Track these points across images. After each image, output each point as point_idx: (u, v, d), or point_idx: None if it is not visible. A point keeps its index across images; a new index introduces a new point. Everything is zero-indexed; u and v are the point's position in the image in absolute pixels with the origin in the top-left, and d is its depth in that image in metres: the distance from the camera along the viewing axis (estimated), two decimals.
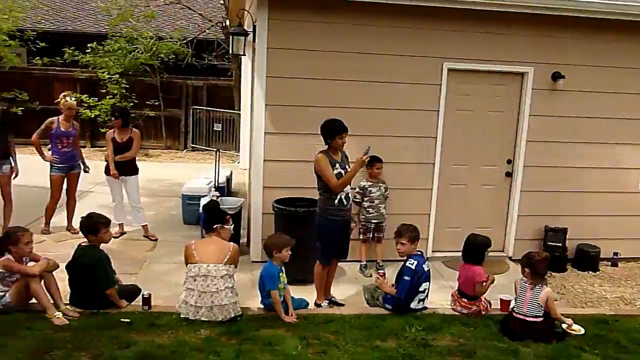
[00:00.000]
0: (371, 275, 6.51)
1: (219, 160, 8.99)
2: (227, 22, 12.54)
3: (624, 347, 4.77)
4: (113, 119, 7.57)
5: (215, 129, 13.90)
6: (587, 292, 6.52)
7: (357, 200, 6.60)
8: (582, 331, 4.96)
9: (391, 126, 6.76)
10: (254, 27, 6.65)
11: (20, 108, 13.46)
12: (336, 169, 5.30)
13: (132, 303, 5.14)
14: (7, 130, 7.15)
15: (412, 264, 5.19)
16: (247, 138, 8.98)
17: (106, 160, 7.45)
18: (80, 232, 5.31)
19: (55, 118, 7.38)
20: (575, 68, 7.04)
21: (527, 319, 4.87)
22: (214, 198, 7.20)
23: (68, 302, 4.99)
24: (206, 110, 14.21)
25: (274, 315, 5.00)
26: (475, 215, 7.25)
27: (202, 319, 4.77)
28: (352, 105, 6.56)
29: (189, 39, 14.42)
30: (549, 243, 7.19)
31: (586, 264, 7.23)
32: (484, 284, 5.30)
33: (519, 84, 7.09)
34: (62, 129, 7.33)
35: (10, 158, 7.29)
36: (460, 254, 5.59)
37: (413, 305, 5.24)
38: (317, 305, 5.57)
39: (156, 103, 14.27)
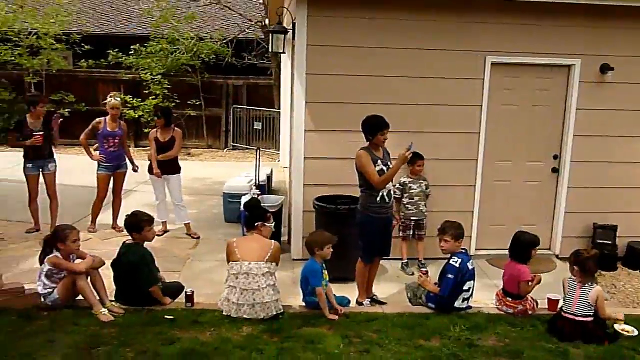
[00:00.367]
0: (413, 274, 6.42)
1: (259, 158, 9.02)
2: (267, 21, 12.59)
3: None
4: (156, 119, 7.68)
5: (255, 127, 13.96)
6: (639, 292, 6.28)
7: (397, 196, 6.52)
8: (636, 332, 4.77)
9: (433, 122, 6.66)
10: (294, 24, 6.64)
11: (67, 110, 13.81)
12: (378, 165, 5.24)
13: (176, 300, 5.19)
14: (51, 131, 7.32)
15: (456, 262, 5.09)
16: (288, 136, 8.99)
17: (149, 160, 7.57)
18: (125, 230, 5.39)
19: (103, 119, 7.52)
20: (625, 60, 6.78)
21: (577, 318, 4.71)
22: (255, 196, 7.23)
23: (113, 299, 5.08)
24: (247, 109, 14.29)
25: (316, 314, 4.98)
26: (520, 213, 7.07)
27: (244, 316, 4.78)
28: (393, 101, 6.48)
29: (229, 39, 14.54)
30: (598, 241, 6.96)
31: (638, 263, 6.97)
32: (530, 283, 5.15)
33: (565, 77, 6.88)
34: (109, 129, 7.47)
35: (55, 157, 7.46)
36: (505, 252, 5.46)
37: (457, 304, 5.13)
38: (359, 303, 5.52)
39: (197, 103, 14.44)
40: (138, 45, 14.22)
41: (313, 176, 6.60)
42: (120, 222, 7.15)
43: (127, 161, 7.72)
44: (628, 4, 6.51)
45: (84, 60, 14.53)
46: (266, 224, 5.19)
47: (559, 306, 5.00)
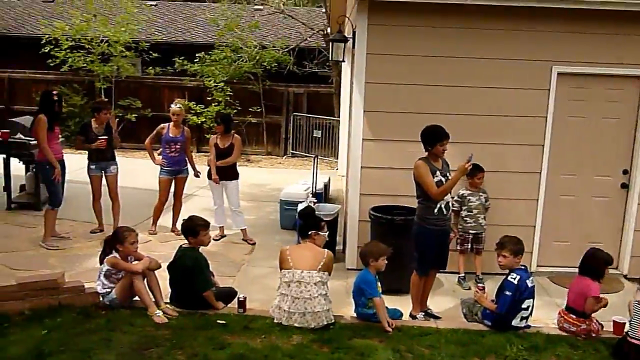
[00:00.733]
0: (470, 288, 6.24)
1: (317, 166, 9.02)
2: (329, 29, 12.64)
3: None
4: (215, 125, 7.81)
5: (314, 135, 14.04)
6: None
7: (455, 208, 6.35)
8: None
9: (495, 133, 6.47)
10: (354, 33, 6.61)
11: (134, 115, 14.28)
12: (436, 176, 5.14)
13: (228, 305, 5.22)
14: (112, 132, 7.58)
15: (514, 279, 4.90)
16: (346, 144, 8.96)
17: (209, 165, 7.70)
18: None
19: (167, 124, 7.72)
20: None
21: None
22: (311, 204, 7.22)
23: (168, 301, 5.17)
24: (306, 117, 14.39)
25: (367, 325, 4.90)
26: (585, 229, 6.76)
27: (295, 324, 4.76)
28: (453, 111, 6.34)
29: (291, 47, 14.68)
30: None
31: None
32: (597, 302, 4.90)
33: (637, 88, 6.55)
34: (171, 135, 7.65)
35: (116, 160, 7.70)
36: (568, 269, 5.23)
37: (515, 322, 4.94)
38: (412, 316, 5.41)
39: (258, 110, 14.62)
40: (203, 53, 14.55)
41: (369, 185, 6.54)
42: (180, 225, 7.28)
43: (189, 166, 7.88)
44: None
45: (151, 67, 14.98)
46: (320, 232, 5.16)
47: (625, 330, 4.73)
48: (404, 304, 5.46)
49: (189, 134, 7.93)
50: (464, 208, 6.46)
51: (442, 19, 6.29)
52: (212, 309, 5.10)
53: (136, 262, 5.18)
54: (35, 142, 7.22)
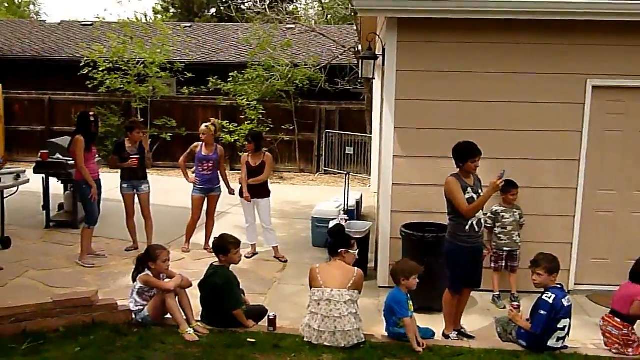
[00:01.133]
0: (505, 307, 6.10)
1: (348, 183, 9.01)
2: (359, 47, 12.67)
3: None
4: (246, 143, 7.88)
5: (347, 152, 14.03)
6: None
7: (488, 225, 6.25)
8: None
9: (528, 148, 6.36)
10: (383, 50, 6.62)
11: (169, 134, 14.54)
12: (468, 193, 5.07)
13: (259, 323, 5.22)
14: (144, 152, 7.72)
15: (549, 297, 4.77)
16: (377, 161, 8.93)
17: (240, 183, 7.76)
18: None
19: (200, 143, 7.82)
20: None
21: None
22: (342, 221, 7.19)
23: (199, 318, 5.19)
24: (339, 133, 14.41)
25: (399, 345, 4.83)
26: (625, 246, 6.54)
27: (325, 343, 4.72)
28: (485, 127, 6.27)
29: (323, 64, 14.76)
30: None
31: None
32: None
33: None
34: (204, 153, 7.74)
35: (148, 179, 7.82)
36: (608, 287, 5.09)
37: (551, 343, 4.79)
38: (445, 336, 5.31)
39: (291, 127, 14.71)
40: (236, 72, 14.75)
41: (401, 202, 6.49)
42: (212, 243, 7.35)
43: (221, 184, 7.95)
44: None
45: (185, 87, 15.24)
46: (350, 250, 5.13)
47: None
48: (436, 323, 5.37)
49: (222, 152, 8.01)
50: (497, 225, 6.35)
51: (473, 34, 6.25)
52: (242, 327, 5.10)
53: (168, 280, 5.23)
54: (73, 162, 7.40)
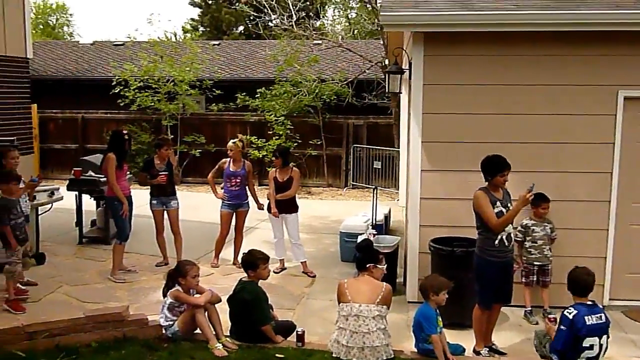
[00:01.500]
0: (537, 323, 6.00)
1: (376, 198, 8.99)
2: (387, 61, 12.70)
3: None
4: (274, 158, 7.94)
5: (375, 166, 14.01)
6: None
7: (518, 239, 6.16)
8: None
9: (558, 161, 6.28)
10: (410, 64, 6.62)
11: (198, 150, 14.72)
12: (497, 207, 5.02)
13: (287, 339, 5.22)
14: (172, 168, 7.85)
15: (569, 313, 4.57)
16: (405, 175, 8.90)
17: (268, 199, 7.81)
18: None
19: (228, 159, 7.90)
20: None
21: None
22: (370, 236, 7.17)
23: (228, 334, 5.22)
24: (366, 148, 14.41)
25: None
26: None
27: (353, 359, 4.69)
28: (513, 139, 6.21)
29: (350, 79, 14.82)
30: None
31: None
32: None
33: None
34: (232, 169, 7.82)
35: (177, 195, 7.92)
36: None
37: None
38: (476, 352, 5.23)
39: (318, 142, 14.76)
40: (263, 88, 14.88)
41: (429, 217, 6.45)
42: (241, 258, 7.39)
43: (249, 200, 8.01)
44: None
45: (214, 104, 15.43)
46: (378, 265, 5.11)
47: None
48: (467, 339, 5.30)
49: (250, 168, 8.08)
50: (527, 239, 6.25)
51: (500, 47, 6.22)
52: (271, 343, 5.11)
53: (198, 295, 5.28)
54: (105, 179, 7.55)
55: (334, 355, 4.80)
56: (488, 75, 6.27)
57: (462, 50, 6.27)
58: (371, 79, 14.95)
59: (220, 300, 5.30)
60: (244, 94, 14.98)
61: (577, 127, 6.24)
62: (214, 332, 5.08)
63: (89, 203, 9.15)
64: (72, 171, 8.92)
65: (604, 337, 4.55)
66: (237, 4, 21.81)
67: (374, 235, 7.40)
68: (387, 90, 7.96)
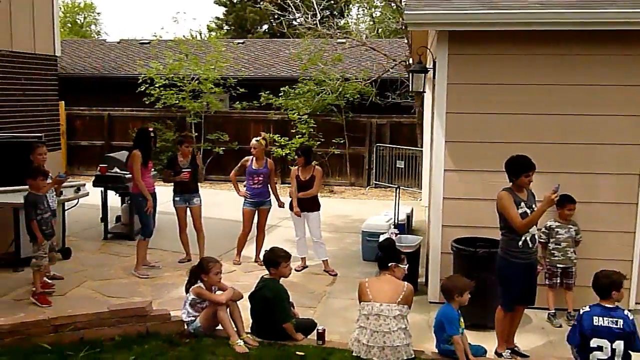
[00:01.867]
0: (561, 326, 5.92)
1: (399, 197, 8.96)
2: (410, 60, 12.63)
3: None
4: (296, 157, 7.96)
5: (397, 166, 13.95)
6: None
7: (542, 241, 6.08)
8: None
9: (585, 162, 6.19)
10: (434, 63, 6.58)
11: (221, 148, 14.82)
12: (521, 207, 4.97)
13: (308, 337, 5.23)
14: (197, 167, 7.92)
15: (582, 310, 4.56)
16: (428, 175, 8.86)
17: (291, 197, 7.83)
18: None
19: (251, 157, 7.95)
20: None
21: None
22: (392, 235, 7.15)
23: (249, 330, 5.25)
24: (389, 147, 14.35)
25: None
26: None
27: (374, 359, 4.68)
28: (538, 140, 6.14)
29: (373, 78, 14.78)
30: None
31: None
32: None
33: None
34: (254, 167, 7.86)
35: (199, 192, 7.98)
36: None
37: None
38: (498, 354, 5.19)
39: (341, 141, 14.75)
40: (287, 87, 14.93)
41: (452, 217, 6.41)
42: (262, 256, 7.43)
43: (272, 197, 8.04)
44: None
45: (238, 102, 15.53)
46: (400, 265, 5.10)
47: None
48: (488, 341, 5.26)
49: (272, 166, 8.11)
50: (551, 240, 6.18)
51: (525, 46, 6.15)
52: (291, 340, 5.13)
53: (220, 292, 5.32)
54: (130, 175, 7.65)
55: (354, 354, 4.80)
56: (513, 75, 6.21)
57: (486, 49, 6.21)
58: (395, 78, 14.90)
59: (241, 297, 5.34)
60: (268, 92, 15.04)
61: (605, 128, 6.14)
62: (235, 329, 5.11)
63: (114, 199, 9.28)
64: (98, 167, 9.06)
65: (618, 342, 4.43)
66: (261, 2, 21.85)
67: (396, 234, 7.38)
68: (410, 90, 7.92)
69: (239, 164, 8.06)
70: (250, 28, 30.96)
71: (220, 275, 5.37)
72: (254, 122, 15.30)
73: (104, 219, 9.10)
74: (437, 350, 4.98)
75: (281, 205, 8.11)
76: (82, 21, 42.69)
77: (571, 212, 6.15)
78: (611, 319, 4.50)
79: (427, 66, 7.37)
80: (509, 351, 5.23)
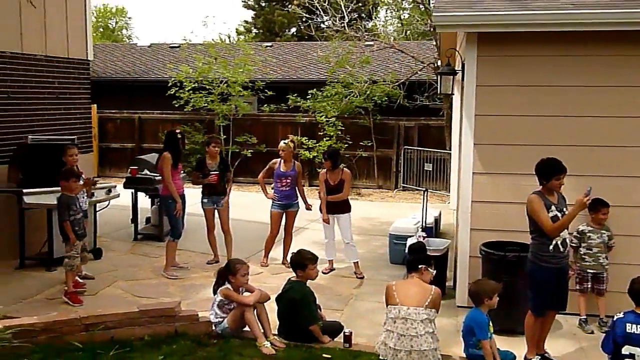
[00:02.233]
0: (593, 332, 5.81)
1: (426, 200, 8.90)
2: (439, 62, 12.54)
3: None
4: (323, 160, 7.95)
5: (425, 168, 13.86)
6: None
7: (573, 245, 5.97)
8: None
9: (617, 165, 6.06)
10: (463, 65, 6.53)
11: (249, 151, 14.92)
12: (552, 211, 4.90)
13: (334, 340, 5.23)
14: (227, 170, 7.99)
15: (616, 317, 4.47)
16: (457, 178, 8.78)
17: (321, 201, 7.82)
18: None
19: (279, 159, 7.98)
20: None
21: None
22: (420, 239, 7.11)
23: (276, 332, 5.27)
24: (417, 150, 14.28)
25: None
26: None
27: None
28: (569, 142, 6.03)
29: (401, 80, 14.72)
30: None
31: None
32: None
33: None
34: (282, 170, 7.89)
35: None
36: None
37: None
38: None
39: (369, 144, 14.73)
40: (315, 89, 14.96)
41: (480, 220, 6.34)
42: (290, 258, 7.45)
43: (299, 200, 8.06)
44: None
45: (266, 105, 15.62)
46: (429, 268, 5.06)
47: None
48: (518, 346, 5.18)
49: (300, 169, 8.13)
50: (582, 245, 6.06)
51: (555, 47, 6.06)
52: (318, 343, 5.13)
53: (247, 293, 5.35)
54: (160, 177, 7.75)
55: (381, 357, 4.77)
56: (543, 76, 6.12)
57: (516, 51, 6.14)
58: (423, 80, 14.81)
59: (269, 299, 5.36)
60: (296, 95, 15.09)
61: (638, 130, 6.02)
62: (262, 330, 5.14)
63: (144, 201, 9.41)
64: (129, 169, 9.20)
65: None
66: (289, 5, 21.95)
67: (424, 238, 7.33)
68: (439, 92, 7.85)
69: (267, 167, 8.09)
70: (278, 31, 31.15)
71: (248, 277, 5.40)
72: (281, 125, 15.37)
73: (134, 220, 9.23)
74: (464, 355, 4.93)
75: (308, 207, 8.13)
76: (113, 26, 43.49)
77: (605, 217, 6.03)
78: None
79: (456, 68, 7.31)
80: (539, 357, 5.15)
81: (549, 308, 5.13)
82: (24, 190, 7.33)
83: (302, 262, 5.33)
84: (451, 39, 8.58)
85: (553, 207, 4.93)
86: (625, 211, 6.08)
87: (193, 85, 14.97)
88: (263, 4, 32.08)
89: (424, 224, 8.53)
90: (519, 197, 5.43)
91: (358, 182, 14.75)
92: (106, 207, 8.44)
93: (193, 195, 8.30)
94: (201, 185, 7.94)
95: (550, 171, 4.97)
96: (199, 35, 37.28)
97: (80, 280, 6.89)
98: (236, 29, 33.99)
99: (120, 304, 6.20)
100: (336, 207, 7.68)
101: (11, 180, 7.69)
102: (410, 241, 7.14)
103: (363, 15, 21.71)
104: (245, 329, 5.25)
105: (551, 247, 4.91)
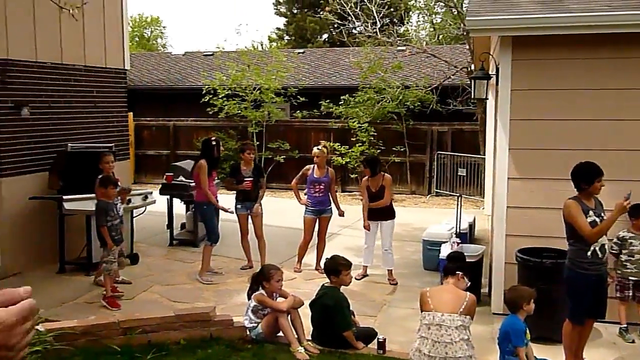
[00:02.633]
0: (633, 341, 5.66)
1: (461, 205, 8.81)
2: (472, 67, 12.44)
3: None
4: (363, 168, 7.94)
5: (459, 174, 13.73)
6: None
7: (614, 251, 5.84)
8: None
9: None
10: (497, 69, 6.47)
11: (282, 157, 15.01)
12: (590, 216, 4.81)
13: (368, 346, 5.22)
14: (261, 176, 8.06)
15: None
16: (491, 183, 8.68)
17: (362, 206, 7.79)
18: None
19: (312, 165, 8.01)
20: None
21: None
22: (454, 245, 7.04)
23: (310, 338, 5.28)
24: (450, 155, 14.16)
25: None
26: None
27: None
28: (606, 147, 5.92)
29: (434, 85, 14.63)
30: None
31: None
32: None
33: None
34: (315, 176, 7.92)
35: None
36: None
37: None
38: None
39: (402, 149, 14.66)
40: (347, 95, 14.97)
41: (516, 226, 6.25)
42: (323, 264, 7.46)
43: (332, 206, 8.07)
44: None
45: (298, 111, 15.70)
46: (465, 276, 5.02)
47: None
48: (556, 355, 5.09)
49: (333, 175, 8.15)
50: (624, 252, 5.92)
51: (592, 50, 5.96)
52: (351, 349, 5.13)
53: (281, 299, 5.39)
54: (194, 184, 7.86)
55: None
56: (578, 79, 6.03)
57: (551, 54, 6.06)
58: (456, 84, 14.69)
59: (302, 305, 5.38)
60: (328, 101, 15.13)
61: None
62: (296, 336, 5.16)
63: (179, 207, 9.54)
64: (165, 176, 9.35)
65: None
66: (321, 12, 22.05)
67: (458, 244, 7.26)
68: (472, 96, 7.79)
69: (300, 173, 8.12)
70: (310, 38, 31.31)
71: (282, 283, 5.44)
72: (314, 131, 15.42)
73: (170, 226, 9.37)
74: None
75: (341, 214, 8.13)
76: (149, 35, 44.29)
77: None
78: None
79: (490, 72, 7.24)
80: None
81: (587, 316, 5.03)
82: (64, 197, 7.52)
83: (336, 268, 5.34)
84: (485, 43, 8.51)
85: (591, 212, 4.84)
86: None
87: (226, 93, 15.15)
88: (295, 11, 32.30)
89: (458, 230, 8.44)
90: (555, 202, 5.36)
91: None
92: (142, 213, 8.59)
93: (227, 201, 8.39)
94: (235, 192, 8.02)
95: (588, 175, 4.89)
96: (232, 43, 37.82)
97: (115, 285, 7.01)
98: (268, 36, 34.33)
99: (157, 308, 6.30)
100: (381, 213, 7.65)
101: (52, 187, 7.90)
102: (444, 247, 7.08)
103: (395, 20, 21.62)
104: (279, 334, 5.28)
105: (589, 253, 4.82)
